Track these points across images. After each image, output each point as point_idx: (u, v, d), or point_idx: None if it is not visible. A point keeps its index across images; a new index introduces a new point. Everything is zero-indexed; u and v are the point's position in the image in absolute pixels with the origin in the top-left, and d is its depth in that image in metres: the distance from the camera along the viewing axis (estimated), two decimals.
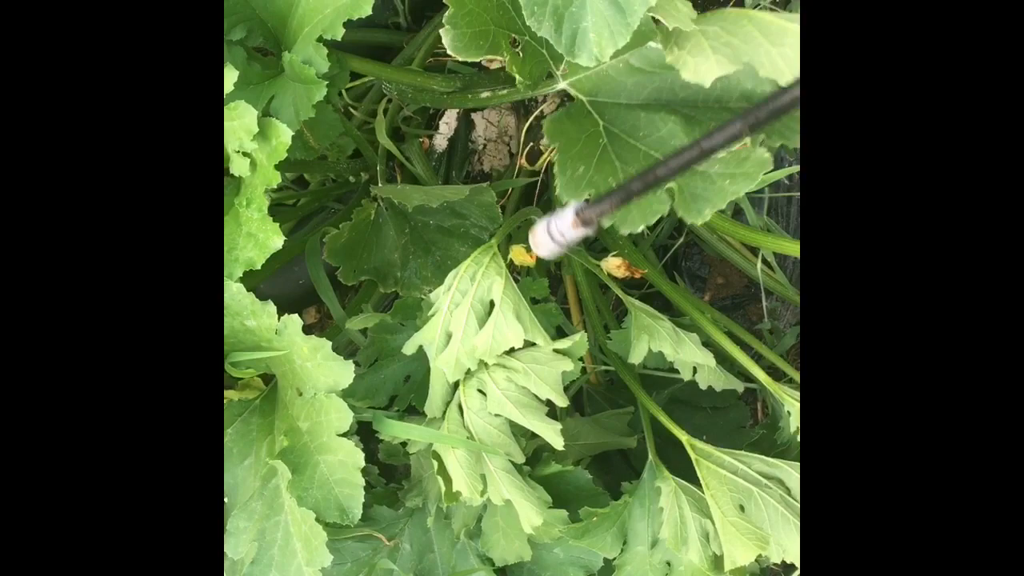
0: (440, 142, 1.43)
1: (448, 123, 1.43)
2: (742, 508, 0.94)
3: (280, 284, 1.54)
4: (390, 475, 1.32)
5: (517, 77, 0.87)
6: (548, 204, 1.33)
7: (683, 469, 1.03)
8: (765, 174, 0.76)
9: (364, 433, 1.09)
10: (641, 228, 0.78)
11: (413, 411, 1.10)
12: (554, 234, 0.83)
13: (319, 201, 1.41)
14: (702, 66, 0.72)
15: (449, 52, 0.83)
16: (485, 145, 1.48)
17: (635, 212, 0.78)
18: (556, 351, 0.91)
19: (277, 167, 0.85)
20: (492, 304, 0.91)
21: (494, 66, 1.32)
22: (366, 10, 0.83)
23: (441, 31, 0.82)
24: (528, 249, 1.17)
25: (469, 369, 0.93)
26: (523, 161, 1.35)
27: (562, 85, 0.94)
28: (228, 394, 1.09)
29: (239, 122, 0.84)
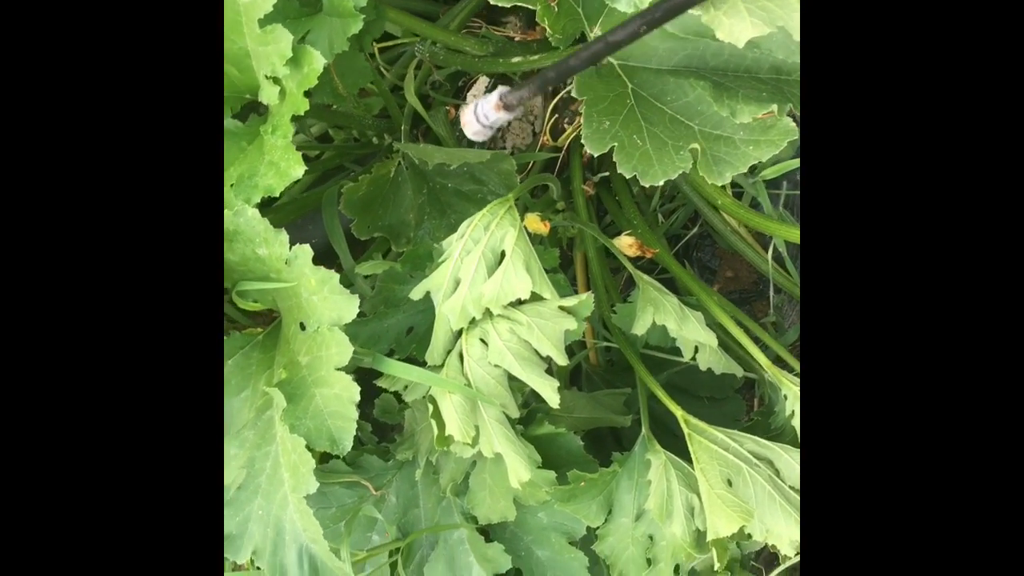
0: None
1: (475, 94, 1.44)
2: (730, 483, 0.94)
3: (297, 235, 1.54)
4: (383, 436, 1.32)
5: (548, 31, 0.88)
6: (567, 179, 1.33)
7: (673, 451, 1.03)
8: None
9: (362, 388, 1.10)
10: (662, 180, 0.79)
11: (413, 362, 1.11)
12: (480, 116, 0.92)
13: (340, 159, 1.42)
14: (737, 27, 0.73)
15: None
16: (509, 123, 1.48)
17: (656, 166, 0.79)
18: (561, 308, 0.92)
19: (306, 95, 0.86)
20: (503, 255, 0.92)
21: (527, 39, 1.33)
22: None
23: None
24: (542, 218, 1.18)
25: (474, 317, 0.93)
26: (546, 138, 1.36)
27: None
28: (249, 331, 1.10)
29: (273, 47, 0.85)
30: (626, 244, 1.19)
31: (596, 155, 0.84)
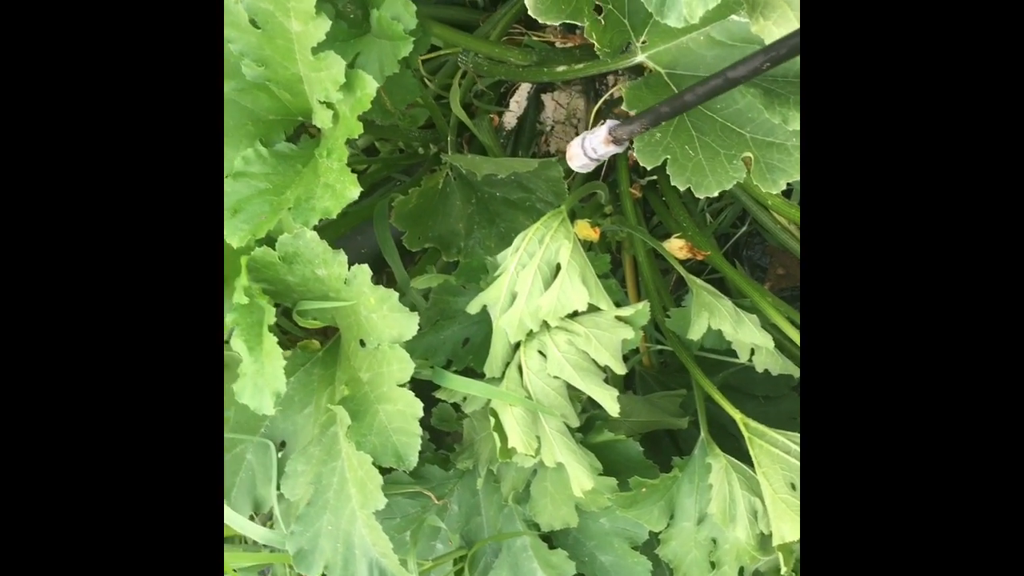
0: (510, 120, 1.45)
1: (519, 102, 1.45)
2: (793, 487, 0.95)
3: (348, 246, 1.57)
4: (439, 442, 1.34)
5: (596, 45, 0.88)
6: (614, 183, 1.34)
7: (730, 454, 1.03)
8: None
9: (419, 397, 1.11)
10: (716, 191, 0.79)
11: (470, 373, 1.12)
12: (587, 149, 0.91)
13: (387, 170, 1.43)
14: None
15: (530, 13, 0.85)
16: (553, 127, 1.49)
17: (710, 176, 0.80)
18: (618, 318, 0.92)
19: (359, 118, 0.87)
20: (558, 267, 0.93)
21: (568, 44, 1.33)
22: None
23: None
24: (593, 224, 1.19)
25: (531, 330, 0.94)
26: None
27: (640, 58, 0.95)
28: (309, 344, 1.12)
29: (326, 72, 0.86)
30: (676, 247, 1.19)
31: (649, 167, 0.85)
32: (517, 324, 0.94)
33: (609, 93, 1.41)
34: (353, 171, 1.41)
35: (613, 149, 0.90)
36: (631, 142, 0.88)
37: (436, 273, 1.14)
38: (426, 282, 1.12)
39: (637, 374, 1.34)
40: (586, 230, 1.15)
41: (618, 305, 1.17)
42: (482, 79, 1.36)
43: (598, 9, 0.89)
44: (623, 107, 0.90)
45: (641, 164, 0.86)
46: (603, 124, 0.89)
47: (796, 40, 0.64)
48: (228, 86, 0.94)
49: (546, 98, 1.48)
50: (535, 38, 1.42)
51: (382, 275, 1.64)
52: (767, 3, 0.75)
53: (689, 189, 0.85)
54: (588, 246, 1.27)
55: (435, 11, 1.44)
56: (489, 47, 1.15)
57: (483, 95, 1.41)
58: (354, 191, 0.90)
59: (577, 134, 1.50)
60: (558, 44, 1.42)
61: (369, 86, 0.85)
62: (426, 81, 1.39)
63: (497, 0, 1.53)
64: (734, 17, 0.86)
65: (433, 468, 1.16)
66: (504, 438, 0.96)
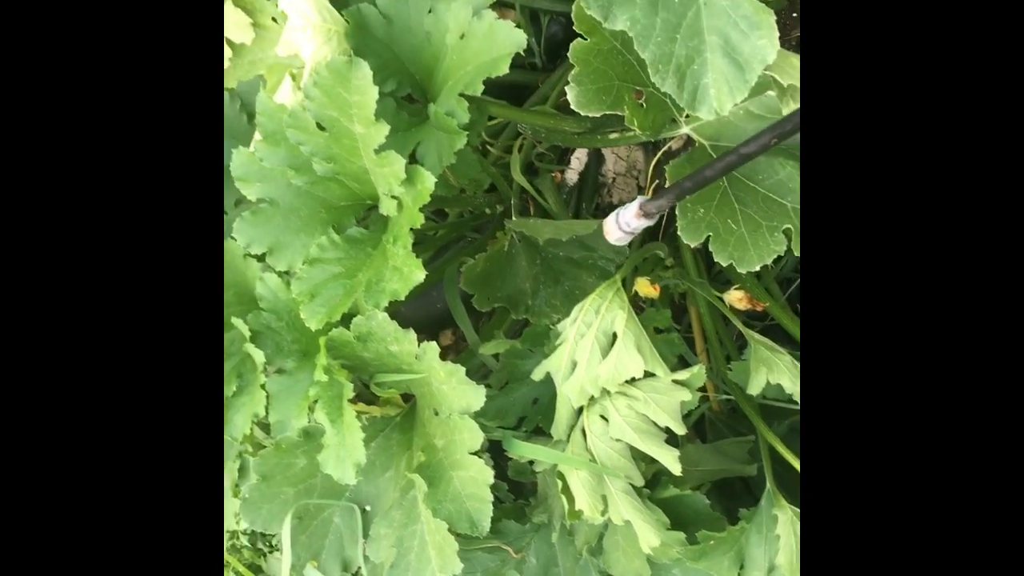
0: (571, 176, 1.50)
1: (579, 158, 1.50)
2: None
3: (419, 307, 1.64)
4: (519, 491, 1.39)
5: (638, 129, 0.93)
6: (673, 238, 1.37)
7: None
8: None
9: (495, 450, 1.17)
10: (758, 267, 0.83)
11: (540, 432, 1.17)
12: (621, 224, 0.96)
13: (457, 231, 1.50)
14: None
15: (573, 108, 0.90)
16: (614, 179, 1.54)
17: (752, 252, 0.83)
18: (675, 382, 0.96)
19: (421, 209, 0.93)
20: (615, 336, 0.98)
21: None
22: (504, 69, 0.91)
23: (567, 88, 0.89)
24: (652, 281, 1.23)
25: (592, 396, 0.99)
26: (652, 194, 1.41)
27: (685, 130, 1.00)
28: (371, 409, 1.19)
29: (389, 169, 0.93)
30: (736, 298, 1.22)
31: (692, 245, 0.89)
32: (579, 391, 0.99)
33: (668, 146, 1.45)
34: (424, 235, 1.49)
35: (645, 222, 0.95)
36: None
37: (504, 338, 1.20)
38: (495, 347, 1.18)
39: (707, 419, 1.37)
40: (647, 287, 1.19)
41: (681, 359, 1.21)
42: (542, 143, 1.41)
43: (639, 94, 0.93)
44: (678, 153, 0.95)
45: (686, 242, 0.90)
46: (635, 200, 0.94)
47: (798, 118, 0.69)
48: (301, 180, 1.02)
49: (606, 152, 1.53)
50: None
51: (457, 328, 1.72)
52: (794, 88, 0.79)
53: None
54: (650, 302, 1.32)
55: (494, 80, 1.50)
56: (545, 119, 1.20)
57: (543, 155, 1.47)
58: (419, 274, 0.96)
59: (638, 185, 1.55)
60: None
61: (428, 181, 0.91)
62: (487, 146, 1.46)
63: (555, 58, 1.59)
64: (769, 92, 0.90)
65: (510, 523, 1.21)
66: (571, 500, 1.01)
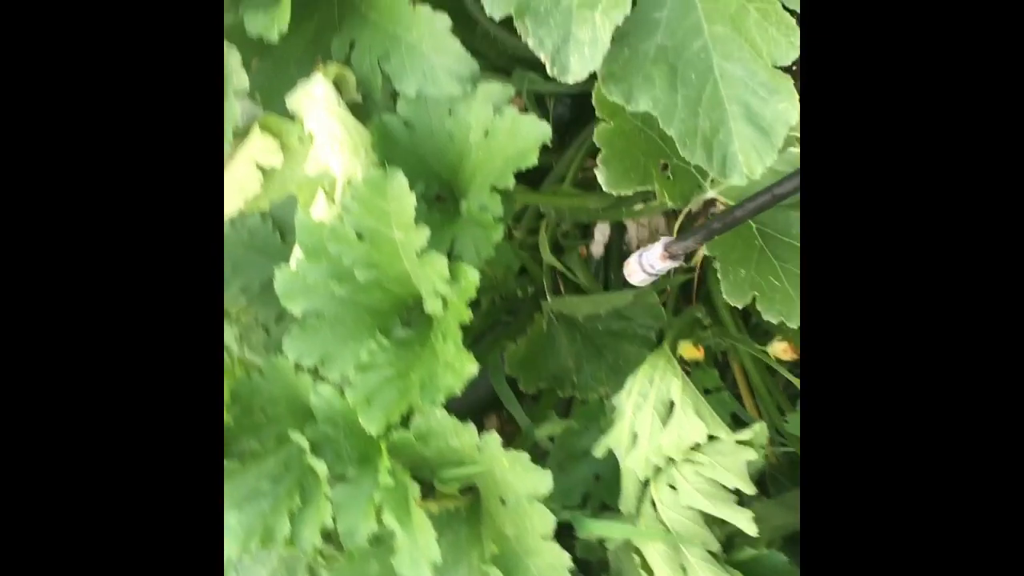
0: (597, 249, 1.52)
1: (602, 231, 1.53)
2: None
3: (460, 397, 1.65)
4: (587, 570, 1.38)
5: (667, 200, 0.95)
6: (707, 298, 1.39)
7: None
8: None
9: (559, 531, 1.17)
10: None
11: (606, 507, 1.17)
12: (645, 266, 0.94)
13: (492, 318, 1.52)
14: None
15: (604, 189, 0.93)
16: (638, 246, 1.56)
17: (778, 303, 0.85)
18: (739, 442, 0.97)
19: (467, 304, 0.96)
20: (672, 403, 0.98)
21: None
22: (532, 160, 0.94)
23: (596, 171, 0.92)
24: (695, 343, 1.24)
25: (658, 466, 1.00)
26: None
27: (711, 193, 1.02)
28: (429, 506, 1.19)
29: (432, 270, 0.96)
30: (780, 350, 1.23)
31: (740, 306, 0.91)
32: (643, 463, 1.00)
33: (687, 209, 1.48)
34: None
35: (670, 264, 0.94)
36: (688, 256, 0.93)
37: (556, 418, 1.21)
38: (550, 429, 1.18)
39: (767, 474, 1.37)
40: (691, 351, 1.21)
41: (733, 416, 1.22)
42: (565, 220, 1.44)
43: (664, 167, 0.96)
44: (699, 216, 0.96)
45: (732, 304, 0.92)
46: (659, 241, 0.92)
47: None
48: (344, 290, 1.04)
49: (627, 221, 1.55)
50: None
51: (502, 411, 1.72)
52: None
53: None
54: (695, 364, 1.33)
55: None
56: (569, 200, 1.23)
57: (567, 233, 1.50)
58: (472, 368, 0.98)
59: None
60: None
61: (472, 276, 0.93)
62: (512, 231, 1.48)
63: (564, 137, 1.63)
64: (792, 148, 0.92)
65: None
66: (651, 573, 1.00)
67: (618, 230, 1.56)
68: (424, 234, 0.92)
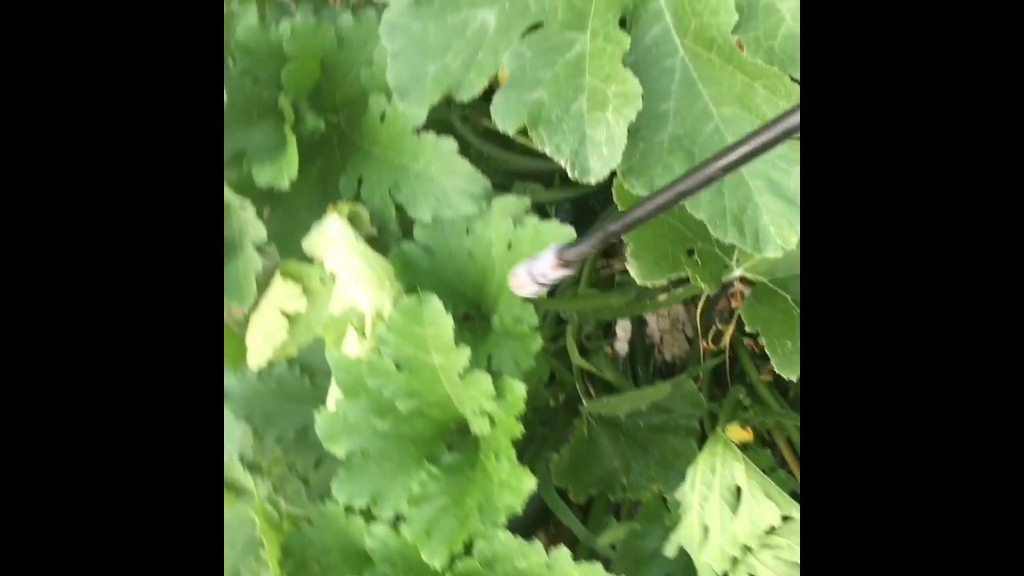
0: (621, 347, 1.52)
1: (624, 328, 1.52)
2: None
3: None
4: None
5: (700, 283, 0.95)
6: (741, 377, 1.38)
7: None
8: None
9: None
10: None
11: None
12: (536, 276, 0.83)
13: (528, 431, 1.49)
14: None
15: (638, 282, 0.93)
16: (662, 337, 1.56)
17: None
18: None
19: (516, 418, 0.94)
20: (739, 489, 0.96)
21: None
22: None
23: (627, 265, 0.92)
24: (743, 425, 1.22)
25: (734, 557, 0.96)
26: (706, 344, 1.42)
27: (738, 272, 1.02)
28: None
29: (476, 389, 0.95)
30: None
31: (795, 379, 0.89)
32: (719, 556, 0.96)
33: (705, 296, 1.48)
34: None
35: (563, 273, 0.84)
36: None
37: (616, 523, 1.18)
38: (614, 535, 1.15)
39: None
40: (739, 433, 1.18)
41: (795, 495, 1.19)
42: (588, 322, 1.44)
43: (690, 252, 0.96)
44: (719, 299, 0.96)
45: (787, 379, 0.90)
46: (550, 248, 0.83)
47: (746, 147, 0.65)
48: (386, 424, 1.02)
49: (646, 315, 1.55)
50: (618, 266, 1.52)
51: (550, 525, 1.68)
52: None
53: None
54: (742, 446, 1.30)
55: None
56: (591, 300, 1.23)
57: (591, 335, 1.49)
58: (530, 483, 0.96)
59: (686, 338, 1.57)
60: None
61: (518, 389, 0.92)
62: None
63: None
64: None
65: None
66: None
67: (639, 325, 1.56)
68: (465, 354, 0.92)
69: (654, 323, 1.56)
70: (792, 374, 0.90)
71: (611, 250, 1.61)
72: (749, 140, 0.63)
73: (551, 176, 1.57)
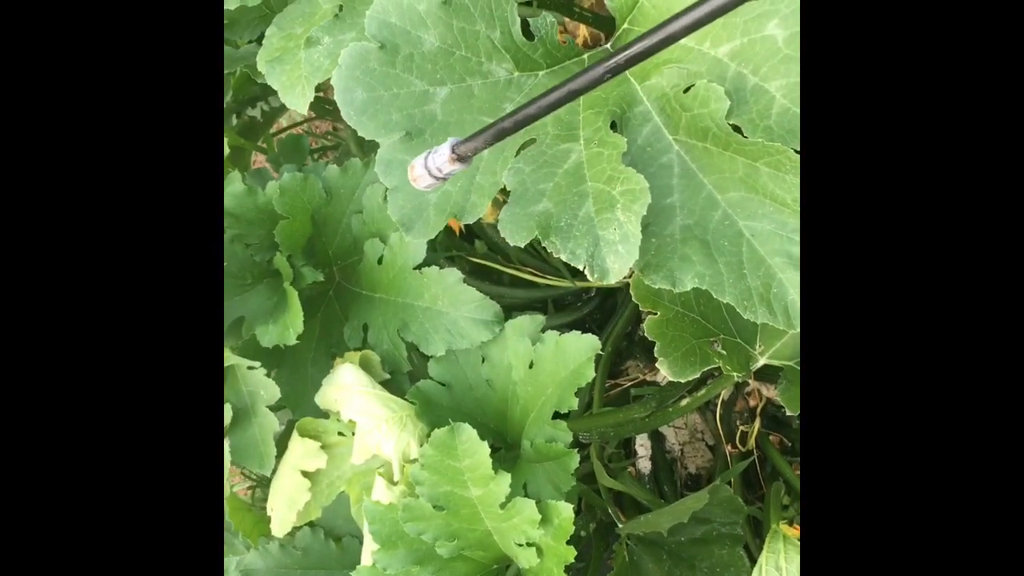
0: (644, 465, 1.48)
1: (643, 444, 1.49)
2: None
3: None
4: None
5: (728, 370, 0.93)
6: (774, 475, 1.34)
7: None
8: None
9: None
10: None
11: None
12: (431, 169, 0.81)
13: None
14: None
15: (671, 379, 0.91)
16: (682, 449, 1.52)
17: None
18: None
19: (566, 542, 0.90)
20: None
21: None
22: (590, 374, 0.92)
23: (658, 364, 0.91)
24: (789, 523, 1.18)
25: None
26: (731, 448, 1.39)
27: (763, 361, 1.01)
28: None
29: (519, 518, 0.90)
30: None
31: None
32: None
33: (719, 400, 1.46)
34: None
35: (459, 167, 0.80)
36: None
37: None
38: None
39: None
40: (789, 531, 1.14)
41: None
42: (609, 443, 1.41)
43: (713, 343, 0.95)
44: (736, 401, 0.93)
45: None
46: (447, 141, 0.81)
47: (636, 49, 0.63)
48: (426, 572, 0.97)
49: (663, 429, 1.52)
50: (626, 383, 1.50)
51: None
52: None
53: None
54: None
55: None
56: (615, 416, 1.20)
57: (612, 456, 1.45)
58: None
59: (708, 447, 1.53)
60: (647, 378, 1.49)
61: (566, 511, 0.88)
62: None
63: None
64: None
65: None
66: None
67: (658, 440, 1.52)
68: (505, 481, 0.88)
69: (673, 437, 1.52)
70: None
71: (617, 370, 1.59)
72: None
73: (544, 304, 1.57)
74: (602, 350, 1.44)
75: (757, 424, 1.33)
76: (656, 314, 0.90)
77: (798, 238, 0.80)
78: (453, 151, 0.81)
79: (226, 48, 1.37)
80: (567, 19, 1.36)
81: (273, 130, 1.70)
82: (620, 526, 1.28)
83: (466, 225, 1.58)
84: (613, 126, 0.86)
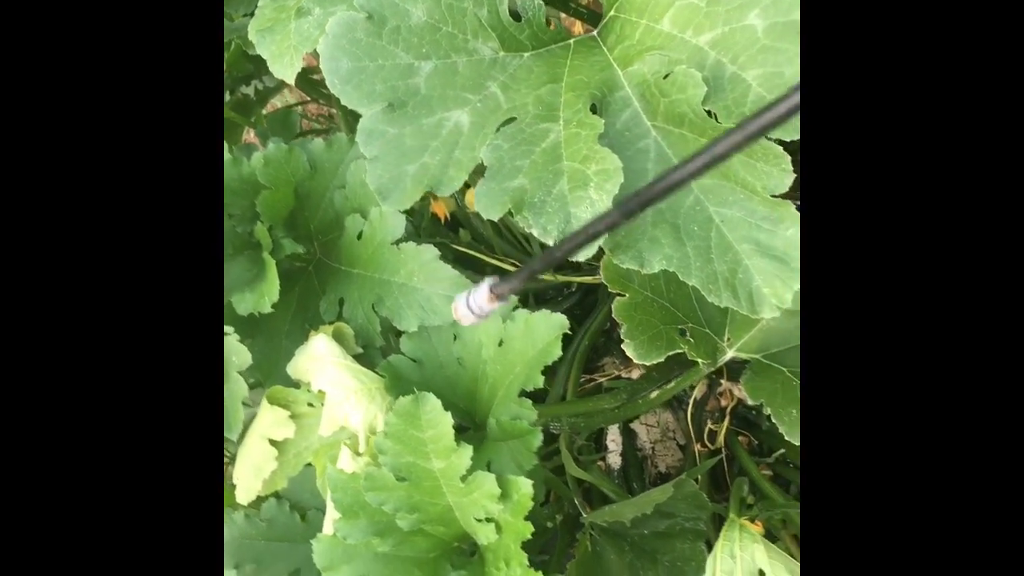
0: (614, 460, 1.49)
1: (614, 440, 1.50)
2: None
3: None
4: None
5: (698, 360, 0.94)
6: (741, 471, 1.35)
7: None
8: None
9: None
10: None
11: None
12: (473, 307, 0.86)
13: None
14: None
15: (636, 361, 0.92)
16: (653, 448, 1.53)
17: None
18: None
19: (525, 518, 0.90)
20: (761, 572, 0.92)
21: (632, 374, 1.41)
22: (557, 352, 0.93)
23: (623, 346, 0.91)
24: (751, 519, 1.18)
25: None
26: (700, 447, 1.40)
27: (731, 354, 1.02)
28: None
29: (479, 492, 0.91)
30: None
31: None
32: None
33: (692, 398, 1.47)
34: None
35: (498, 305, 0.85)
36: None
37: None
38: None
39: None
40: (748, 524, 1.15)
41: None
42: (579, 435, 1.41)
43: (682, 332, 0.96)
44: (707, 401, 0.94)
45: (795, 444, 0.89)
46: (484, 281, 0.85)
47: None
48: (387, 545, 0.98)
49: (635, 426, 1.53)
50: (601, 379, 1.51)
51: None
52: None
53: None
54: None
55: None
56: (585, 405, 1.21)
57: (582, 448, 1.46)
58: None
59: (678, 446, 1.54)
60: (623, 375, 1.50)
61: (525, 486, 0.89)
62: None
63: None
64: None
65: None
66: None
67: (628, 437, 1.53)
68: (467, 454, 0.89)
69: (644, 435, 1.53)
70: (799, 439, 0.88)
71: (592, 366, 1.60)
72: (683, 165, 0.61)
73: (525, 297, 1.58)
74: (579, 344, 1.46)
75: (727, 422, 1.34)
76: (625, 297, 0.92)
77: (768, 227, 0.82)
78: (492, 291, 0.85)
79: None
80: (563, 14, 1.38)
81: (267, 111, 1.71)
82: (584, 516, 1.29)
83: (451, 214, 1.59)
84: (593, 109, 0.88)
